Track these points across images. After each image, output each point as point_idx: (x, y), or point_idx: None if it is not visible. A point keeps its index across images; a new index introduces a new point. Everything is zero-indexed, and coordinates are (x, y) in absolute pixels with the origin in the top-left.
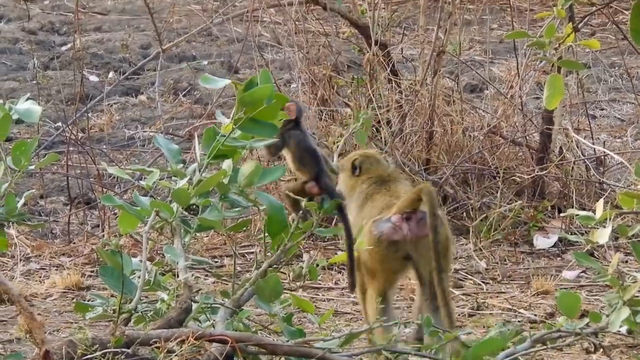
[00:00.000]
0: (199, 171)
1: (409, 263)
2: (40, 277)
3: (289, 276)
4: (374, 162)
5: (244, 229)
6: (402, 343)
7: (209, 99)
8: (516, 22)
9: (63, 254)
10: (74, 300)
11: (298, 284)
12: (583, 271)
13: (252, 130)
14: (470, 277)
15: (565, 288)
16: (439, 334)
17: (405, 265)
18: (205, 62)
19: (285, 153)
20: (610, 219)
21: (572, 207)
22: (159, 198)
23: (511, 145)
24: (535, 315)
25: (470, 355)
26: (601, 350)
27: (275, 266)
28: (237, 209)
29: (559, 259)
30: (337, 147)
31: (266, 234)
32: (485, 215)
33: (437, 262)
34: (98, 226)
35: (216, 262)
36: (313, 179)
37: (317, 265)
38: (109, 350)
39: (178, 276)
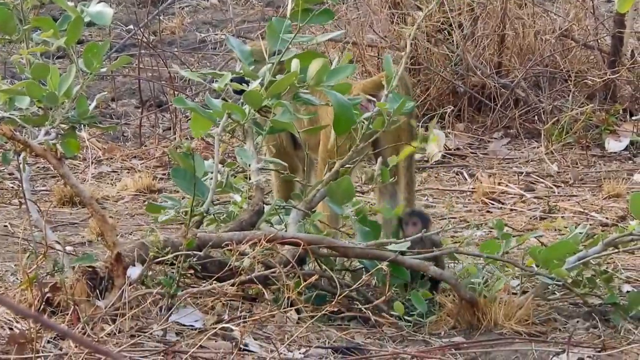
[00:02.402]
0: (270, 72)
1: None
2: (111, 179)
3: (361, 178)
4: None
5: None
6: (473, 246)
7: (281, 2)
8: None
9: (134, 157)
10: (146, 202)
11: (370, 186)
12: None
13: (306, 19)
14: (541, 180)
15: (637, 191)
16: (511, 237)
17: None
18: None
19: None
20: None
21: None
22: (230, 100)
23: (583, 48)
24: (607, 218)
25: (542, 258)
26: None
27: (347, 167)
28: (312, 113)
29: (630, 162)
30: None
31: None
32: (556, 118)
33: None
34: (170, 129)
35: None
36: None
37: (388, 166)
38: (181, 252)
39: (250, 178)
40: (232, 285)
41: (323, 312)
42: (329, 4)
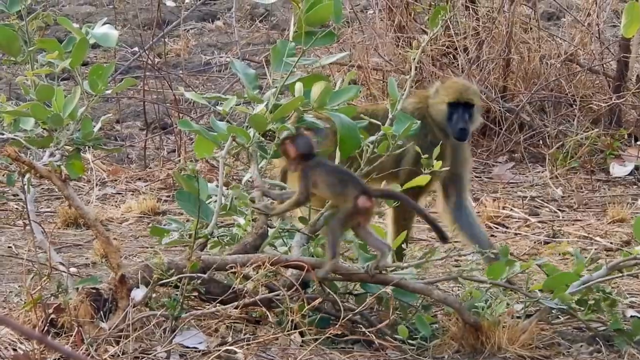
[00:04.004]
0: (274, 96)
1: None
2: (116, 201)
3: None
4: None
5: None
6: (478, 271)
7: (286, 25)
8: None
9: (139, 179)
10: (150, 224)
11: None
12: None
13: (310, 42)
14: (546, 204)
15: None
16: (515, 263)
17: None
18: None
19: (317, 189)
20: None
21: None
22: (235, 124)
23: (588, 73)
24: (611, 242)
25: (545, 285)
26: None
27: None
28: (315, 136)
29: (634, 186)
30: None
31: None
32: (561, 143)
33: None
34: (174, 151)
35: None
36: (361, 194)
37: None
38: (185, 275)
39: (254, 202)
40: (236, 307)
41: (327, 335)
42: (333, 26)
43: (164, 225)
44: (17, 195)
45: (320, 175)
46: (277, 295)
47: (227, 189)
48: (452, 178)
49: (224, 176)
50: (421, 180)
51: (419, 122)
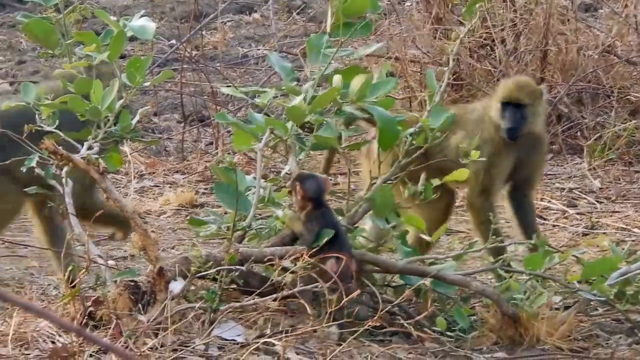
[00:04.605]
0: (312, 88)
1: None
2: (154, 194)
3: (403, 194)
4: None
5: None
6: (516, 262)
7: (323, 17)
8: None
9: (177, 171)
10: (188, 217)
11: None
12: None
13: (347, 33)
14: (584, 196)
15: None
16: (553, 254)
17: None
18: None
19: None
20: None
21: None
22: (272, 116)
23: (625, 64)
24: None
25: (583, 274)
26: None
27: (390, 182)
28: (353, 128)
29: None
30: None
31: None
32: (599, 134)
33: None
34: (212, 144)
35: (330, 179)
36: (333, 257)
37: (432, 184)
38: (223, 267)
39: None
40: (274, 300)
41: (365, 327)
42: (370, 17)
43: (202, 217)
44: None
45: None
46: (316, 287)
47: (265, 181)
48: (525, 177)
49: (262, 168)
50: (460, 174)
51: (453, 113)
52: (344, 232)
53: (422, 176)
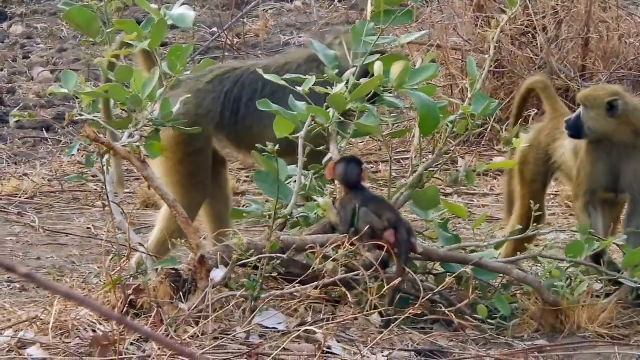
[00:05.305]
0: (353, 75)
1: None
2: None
3: (445, 180)
4: (630, 103)
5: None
6: (559, 250)
7: (365, 5)
8: None
9: None
10: None
11: (453, 189)
12: None
13: (389, 21)
14: None
15: None
16: (594, 241)
17: None
18: None
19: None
20: None
21: None
22: (314, 103)
23: None
24: None
25: (625, 262)
26: None
27: (431, 169)
28: (394, 115)
29: None
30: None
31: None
32: None
33: None
34: None
35: (372, 167)
36: (392, 227)
37: (474, 170)
38: (265, 255)
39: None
40: (316, 288)
41: (406, 315)
42: (411, 4)
43: (243, 206)
44: (96, 177)
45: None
46: (357, 275)
47: (307, 169)
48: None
49: (304, 156)
50: (505, 163)
51: (496, 101)
52: (388, 203)
53: (465, 162)
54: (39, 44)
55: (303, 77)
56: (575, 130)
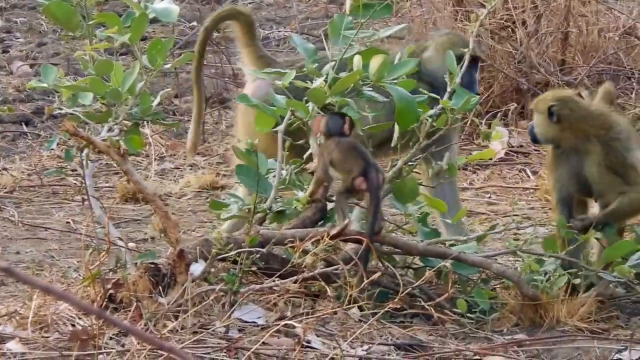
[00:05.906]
0: (333, 70)
1: None
2: (174, 176)
3: (427, 173)
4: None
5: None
6: (538, 245)
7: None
8: None
9: (198, 153)
10: (208, 199)
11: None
12: None
13: (367, 14)
14: None
15: None
16: (575, 236)
17: None
18: None
19: (333, 167)
20: None
21: None
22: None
23: None
24: None
25: (604, 257)
26: None
27: (410, 164)
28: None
29: None
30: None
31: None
32: None
33: None
34: (233, 125)
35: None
36: (360, 175)
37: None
38: (244, 249)
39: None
40: (295, 282)
41: (385, 309)
42: None
43: (223, 199)
44: (76, 171)
45: (334, 152)
46: (336, 269)
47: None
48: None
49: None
50: (484, 154)
51: (477, 96)
52: (360, 148)
53: (447, 155)
54: (18, 38)
55: (282, 71)
56: (532, 135)
